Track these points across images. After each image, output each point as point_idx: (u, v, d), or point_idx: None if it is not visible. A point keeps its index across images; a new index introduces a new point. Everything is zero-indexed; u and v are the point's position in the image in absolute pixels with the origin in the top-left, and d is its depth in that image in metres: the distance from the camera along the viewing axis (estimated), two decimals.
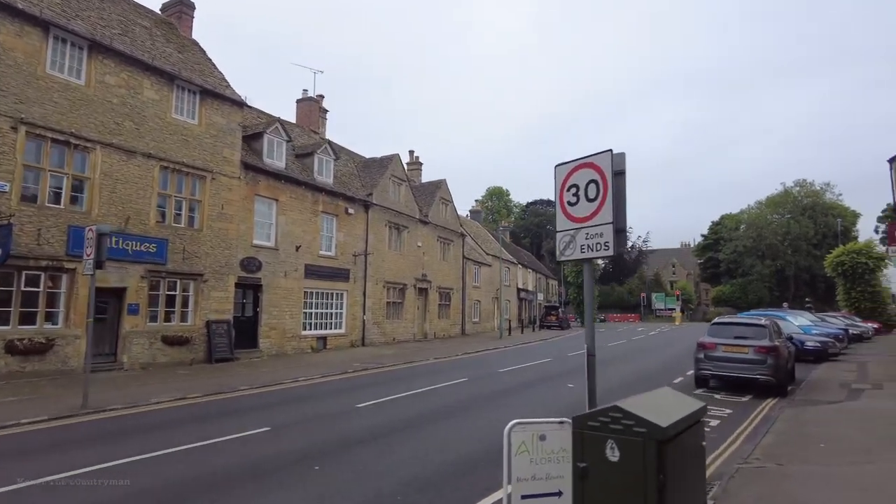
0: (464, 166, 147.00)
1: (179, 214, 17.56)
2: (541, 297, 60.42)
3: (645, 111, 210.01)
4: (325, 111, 28.80)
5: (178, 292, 17.28)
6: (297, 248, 21.18)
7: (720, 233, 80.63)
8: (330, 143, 24.71)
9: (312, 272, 21.82)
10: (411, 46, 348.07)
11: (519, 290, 52.05)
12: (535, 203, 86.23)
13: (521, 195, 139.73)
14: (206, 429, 8.79)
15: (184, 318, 17.46)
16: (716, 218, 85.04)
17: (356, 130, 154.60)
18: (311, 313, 21.94)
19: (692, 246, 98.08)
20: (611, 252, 4.74)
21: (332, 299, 23.01)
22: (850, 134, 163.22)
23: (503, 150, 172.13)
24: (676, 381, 14.94)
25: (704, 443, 3.09)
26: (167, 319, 16.98)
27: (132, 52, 16.20)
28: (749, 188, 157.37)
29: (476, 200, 67.00)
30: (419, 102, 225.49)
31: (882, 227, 57.93)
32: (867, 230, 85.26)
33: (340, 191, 23.65)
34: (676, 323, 57.99)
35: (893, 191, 21.20)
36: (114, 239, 15.18)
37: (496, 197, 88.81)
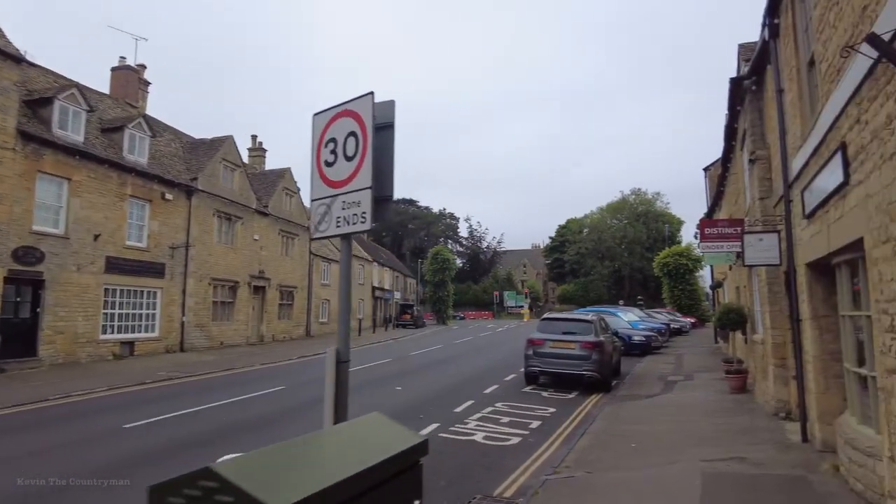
0: None
1: None
2: (398, 295, 59.61)
3: (507, 118, 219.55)
4: (147, 83, 25.07)
5: None
6: (96, 238, 17.91)
7: (566, 235, 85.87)
8: (146, 117, 21.45)
9: (116, 266, 18.58)
10: (278, 37, 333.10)
11: (374, 288, 50.72)
12: (397, 202, 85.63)
13: None
14: None
15: None
16: (563, 221, 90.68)
17: (215, 124, 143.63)
18: (113, 314, 18.63)
19: (541, 247, 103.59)
20: (367, 226, 3.59)
21: (141, 298, 19.79)
22: (680, 148, 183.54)
23: None
24: (509, 377, 14.59)
25: (419, 501, 1.96)
26: None
27: None
28: (595, 194, 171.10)
29: None
30: (282, 97, 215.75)
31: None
32: (689, 235, 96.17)
33: (156, 173, 20.47)
34: (525, 319, 60.35)
35: (707, 196, 23.10)
36: None
37: None
